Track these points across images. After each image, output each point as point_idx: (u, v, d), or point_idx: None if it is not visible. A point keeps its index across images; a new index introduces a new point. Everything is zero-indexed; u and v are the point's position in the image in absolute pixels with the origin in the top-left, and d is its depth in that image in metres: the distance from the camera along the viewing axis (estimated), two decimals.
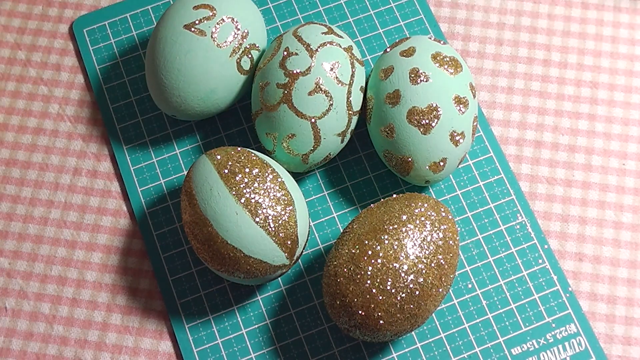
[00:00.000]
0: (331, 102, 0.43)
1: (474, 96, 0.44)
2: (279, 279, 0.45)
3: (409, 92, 0.43)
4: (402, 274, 0.39)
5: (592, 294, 0.45)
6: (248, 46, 0.45)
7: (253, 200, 0.41)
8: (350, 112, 0.44)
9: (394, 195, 0.43)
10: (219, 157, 0.42)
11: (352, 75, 0.44)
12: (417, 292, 0.39)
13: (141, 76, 0.50)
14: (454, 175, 0.47)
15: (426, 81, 0.43)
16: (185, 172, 0.47)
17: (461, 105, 0.43)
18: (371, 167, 0.47)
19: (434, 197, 0.46)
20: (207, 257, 0.41)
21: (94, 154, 0.48)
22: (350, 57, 0.44)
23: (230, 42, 0.45)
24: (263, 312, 0.44)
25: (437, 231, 0.41)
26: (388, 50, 0.46)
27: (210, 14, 0.45)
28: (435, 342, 0.44)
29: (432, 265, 0.40)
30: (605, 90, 0.49)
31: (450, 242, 0.41)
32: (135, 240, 0.46)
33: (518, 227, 0.46)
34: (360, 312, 0.39)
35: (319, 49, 0.44)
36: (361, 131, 0.48)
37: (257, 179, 0.41)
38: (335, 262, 0.41)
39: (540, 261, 0.45)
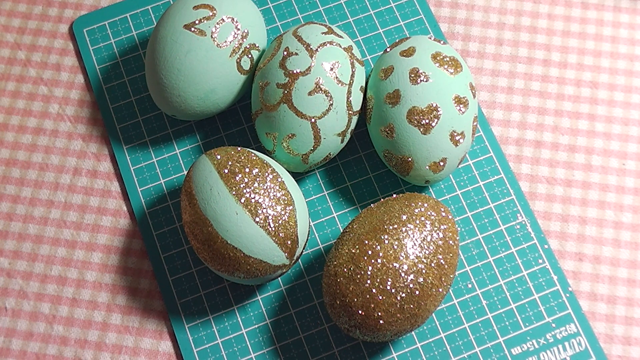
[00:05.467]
0: (331, 102, 0.43)
1: (474, 96, 0.44)
2: (279, 279, 0.45)
3: (409, 92, 0.43)
4: (402, 274, 0.39)
5: (592, 294, 0.45)
6: (248, 46, 0.45)
7: (253, 200, 0.41)
8: (350, 112, 0.44)
9: (394, 195, 0.43)
10: (219, 157, 0.42)
11: (352, 75, 0.44)
12: (417, 292, 0.39)
13: (141, 76, 0.50)
14: (454, 175, 0.47)
15: (426, 81, 0.43)
16: (185, 172, 0.47)
17: (461, 105, 0.43)
18: (371, 167, 0.47)
19: (434, 197, 0.46)
20: (207, 257, 0.41)
21: (94, 154, 0.48)
22: (350, 57, 0.44)
23: (230, 42, 0.45)
24: (263, 312, 0.44)
25: (437, 231, 0.41)
26: (388, 50, 0.46)
27: (210, 13, 0.45)
28: (435, 342, 0.44)
29: (432, 265, 0.40)
30: (605, 90, 0.49)
31: (450, 242, 0.41)
32: (135, 240, 0.46)
33: (518, 227, 0.46)
34: (360, 312, 0.39)
35: (319, 49, 0.44)
36: (361, 131, 0.48)
37: (257, 179, 0.41)
38: (335, 262, 0.41)
39: (540, 261, 0.45)
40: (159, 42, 0.45)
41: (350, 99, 0.44)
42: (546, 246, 0.45)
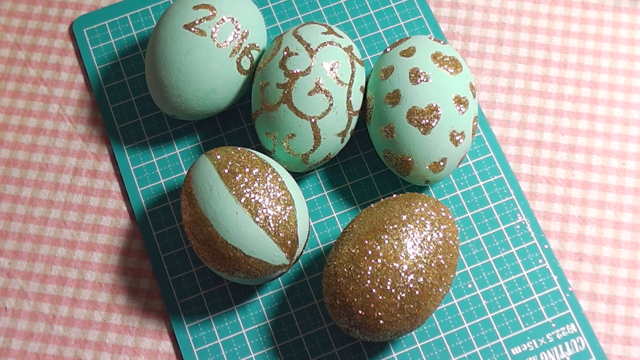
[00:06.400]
0: (331, 102, 0.43)
1: (474, 96, 0.44)
2: (279, 279, 0.45)
3: (409, 92, 0.43)
4: (402, 274, 0.39)
5: (592, 294, 0.45)
6: (248, 46, 0.45)
7: (253, 200, 0.41)
8: (350, 112, 0.44)
9: (394, 195, 0.43)
10: (219, 157, 0.42)
11: (352, 75, 0.44)
12: (417, 292, 0.39)
13: (141, 76, 0.50)
14: (454, 175, 0.47)
15: (426, 81, 0.43)
16: (185, 172, 0.47)
17: (461, 105, 0.43)
18: (371, 167, 0.47)
19: (434, 197, 0.46)
20: (207, 257, 0.41)
21: (94, 154, 0.48)
22: (350, 57, 0.44)
23: (230, 42, 0.45)
24: (263, 312, 0.44)
25: (437, 231, 0.41)
26: (388, 50, 0.46)
27: (210, 13, 0.45)
28: (435, 342, 0.44)
29: (432, 265, 0.40)
30: (605, 90, 0.49)
31: (450, 242, 0.41)
32: (135, 240, 0.46)
33: (518, 227, 0.46)
34: (360, 312, 0.39)
35: (319, 49, 0.44)
36: (361, 131, 0.48)
37: (257, 179, 0.41)
38: (335, 262, 0.41)
39: (540, 261, 0.45)
40: (159, 42, 0.45)
41: (350, 99, 0.44)
42: (546, 246, 0.45)
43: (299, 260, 0.45)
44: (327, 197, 0.47)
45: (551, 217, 0.46)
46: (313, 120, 0.43)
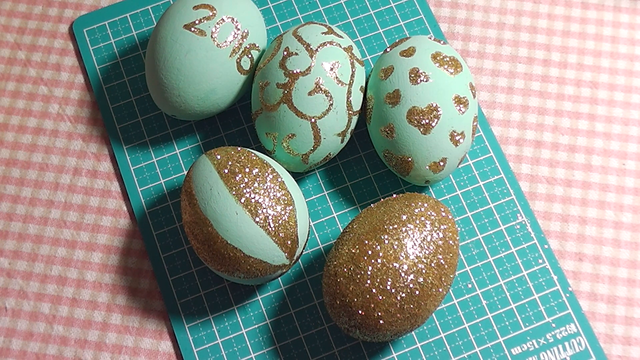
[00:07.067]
0: (331, 102, 0.43)
1: (474, 96, 0.44)
2: (279, 279, 0.45)
3: (409, 92, 0.43)
4: (402, 274, 0.39)
5: (592, 294, 0.45)
6: (248, 46, 0.45)
7: (253, 200, 0.41)
8: (350, 112, 0.44)
9: (394, 195, 0.43)
10: (219, 157, 0.42)
11: (352, 75, 0.44)
12: (417, 292, 0.39)
13: (141, 76, 0.50)
14: (454, 175, 0.47)
15: (426, 81, 0.43)
16: (185, 172, 0.47)
17: (461, 105, 0.43)
18: (371, 167, 0.47)
19: (434, 197, 0.46)
20: (207, 257, 0.41)
21: (94, 154, 0.48)
22: (350, 57, 0.44)
23: (230, 42, 0.45)
24: (263, 312, 0.44)
25: (437, 231, 0.41)
26: (388, 50, 0.46)
27: (210, 13, 0.45)
28: (435, 342, 0.44)
29: (432, 265, 0.40)
30: (605, 90, 0.49)
31: (450, 242, 0.41)
32: (135, 240, 0.46)
33: (518, 227, 0.46)
34: (360, 312, 0.39)
35: (319, 49, 0.44)
36: (361, 131, 0.48)
37: (257, 179, 0.41)
38: (335, 262, 0.41)
39: (540, 261, 0.45)
40: (159, 42, 0.45)
41: (350, 99, 0.44)
42: (546, 246, 0.45)
43: (299, 260, 0.45)
44: (327, 197, 0.47)
45: (551, 217, 0.46)
46: (313, 120, 0.43)
